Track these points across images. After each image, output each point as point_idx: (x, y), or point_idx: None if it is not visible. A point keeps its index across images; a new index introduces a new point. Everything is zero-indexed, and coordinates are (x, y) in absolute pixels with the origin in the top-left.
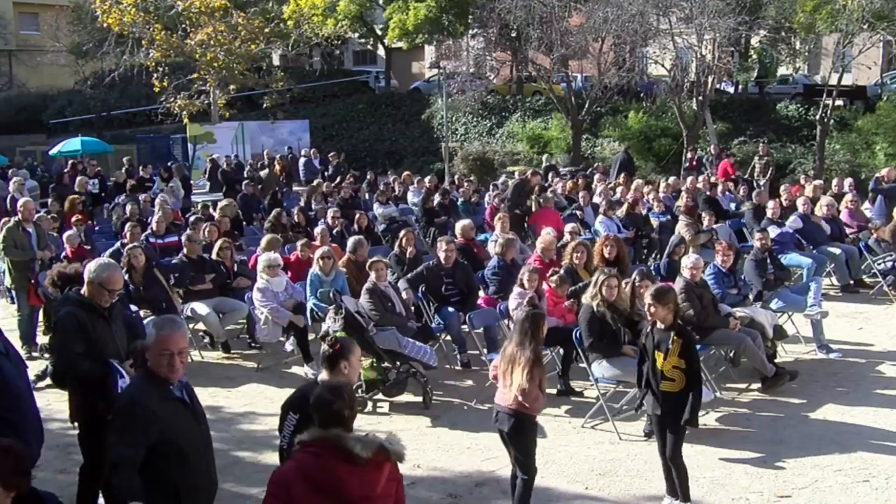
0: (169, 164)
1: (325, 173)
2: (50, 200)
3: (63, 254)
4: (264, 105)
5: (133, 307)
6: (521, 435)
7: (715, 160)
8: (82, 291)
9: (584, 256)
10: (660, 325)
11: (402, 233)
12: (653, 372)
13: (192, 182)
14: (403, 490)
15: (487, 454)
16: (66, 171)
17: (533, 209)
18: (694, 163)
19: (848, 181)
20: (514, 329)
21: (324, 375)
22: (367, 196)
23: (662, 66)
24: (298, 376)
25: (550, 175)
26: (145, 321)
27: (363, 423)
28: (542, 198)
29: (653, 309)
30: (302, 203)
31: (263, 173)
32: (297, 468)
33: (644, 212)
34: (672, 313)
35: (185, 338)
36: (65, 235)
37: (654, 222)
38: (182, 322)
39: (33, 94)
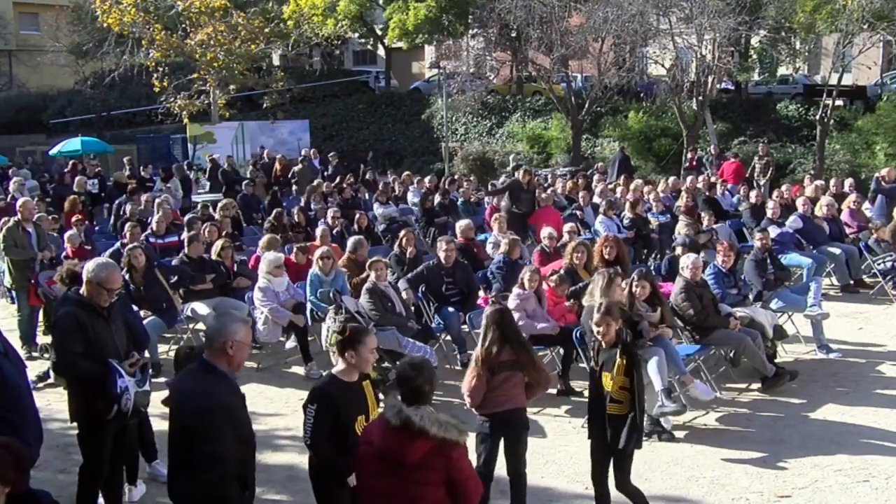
0: (173, 164)
1: (325, 173)
2: (49, 200)
3: (63, 253)
4: (264, 105)
5: (134, 307)
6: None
7: (715, 160)
8: (81, 291)
9: (584, 256)
10: (604, 344)
11: (402, 233)
12: (599, 395)
13: (192, 181)
14: (461, 474)
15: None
16: (66, 170)
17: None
18: (694, 163)
19: (849, 181)
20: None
21: (338, 365)
22: (366, 196)
23: (662, 66)
24: (298, 376)
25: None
26: (146, 321)
27: None
28: (540, 198)
29: (602, 326)
30: (302, 203)
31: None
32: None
33: (644, 212)
34: (615, 329)
35: None
36: (66, 235)
37: (654, 222)
38: None
39: (33, 94)
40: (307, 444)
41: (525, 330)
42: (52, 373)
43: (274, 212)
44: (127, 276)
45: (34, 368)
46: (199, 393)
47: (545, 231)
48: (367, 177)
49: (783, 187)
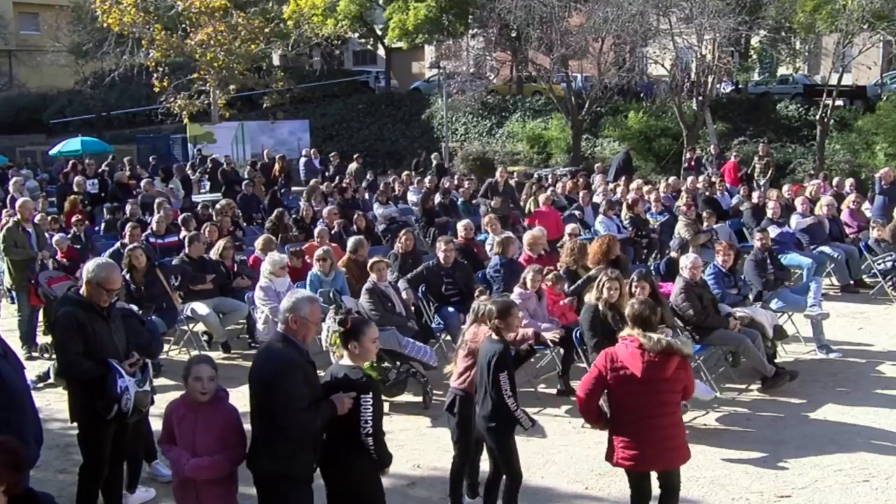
0: (173, 164)
1: (326, 173)
2: (53, 200)
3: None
4: (264, 105)
5: (134, 307)
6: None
7: (715, 160)
8: (81, 291)
9: (582, 257)
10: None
11: (401, 233)
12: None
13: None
14: (692, 378)
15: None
16: (66, 170)
17: (527, 209)
18: (692, 163)
19: (849, 181)
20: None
21: (343, 359)
22: (366, 196)
23: (662, 66)
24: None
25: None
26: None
27: None
28: (539, 197)
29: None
30: (304, 202)
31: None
32: (607, 353)
33: (644, 212)
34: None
35: None
36: (54, 239)
37: (653, 222)
38: None
39: (33, 94)
40: (368, 434)
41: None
42: (52, 374)
43: (275, 212)
44: (127, 277)
45: (34, 369)
46: (275, 355)
47: (529, 235)
48: (368, 177)
49: (784, 187)
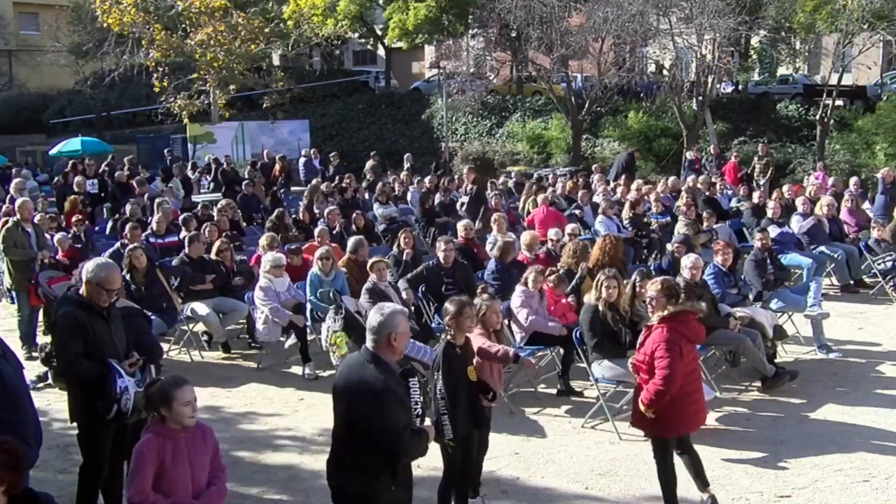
0: (173, 164)
1: (326, 173)
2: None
3: (56, 255)
4: (264, 105)
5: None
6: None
7: (715, 160)
8: (81, 291)
9: (582, 256)
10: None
11: (400, 233)
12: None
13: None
14: None
15: (487, 454)
16: (66, 171)
17: (527, 210)
18: (698, 164)
19: (853, 180)
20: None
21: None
22: (366, 196)
23: (662, 65)
24: (298, 376)
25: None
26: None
27: None
28: (538, 197)
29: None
30: (305, 202)
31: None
32: (671, 329)
33: (643, 212)
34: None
35: None
36: (55, 238)
37: (653, 223)
38: None
39: (33, 94)
40: (418, 414)
41: (534, 327)
42: (50, 375)
43: (276, 211)
44: (128, 277)
45: (35, 369)
46: (372, 387)
47: (526, 235)
48: (368, 177)
49: (784, 187)
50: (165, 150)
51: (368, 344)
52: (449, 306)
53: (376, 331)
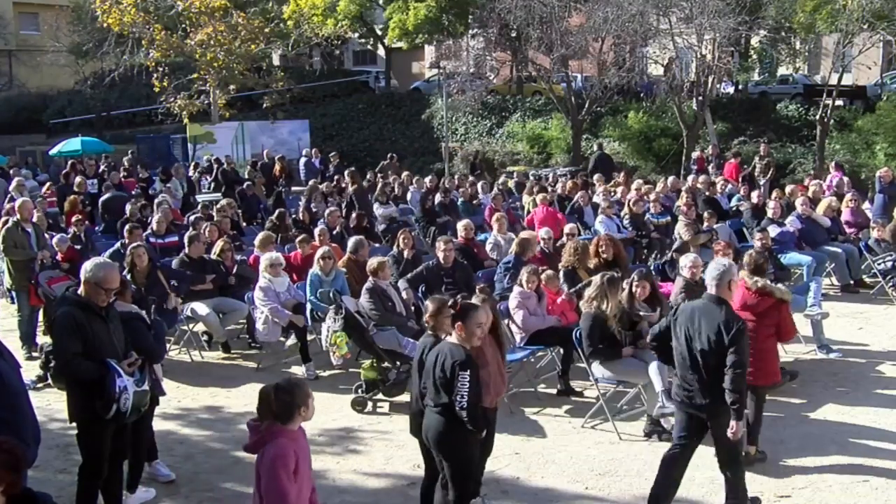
0: (173, 164)
1: (326, 173)
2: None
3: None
4: (264, 105)
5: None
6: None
7: (715, 160)
8: (79, 291)
9: (582, 256)
10: None
11: (400, 233)
12: None
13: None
14: (787, 322)
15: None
16: (65, 171)
17: (526, 210)
18: (702, 164)
19: (844, 179)
20: None
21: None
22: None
23: (662, 65)
24: (298, 376)
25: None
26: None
27: (363, 423)
28: (536, 198)
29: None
30: (304, 202)
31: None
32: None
33: (643, 212)
34: None
35: None
36: (54, 240)
37: (655, 223)
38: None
39: (33, 94)
40: (463, 407)
41: (532, 326)
42: (49, 375)
43: (276, 212)
44: (129, 276)
45: (35, 369)
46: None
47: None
48: (368, 177)
49: (787, 188)
50: (125, 158)
51: None
52: (428, 303)
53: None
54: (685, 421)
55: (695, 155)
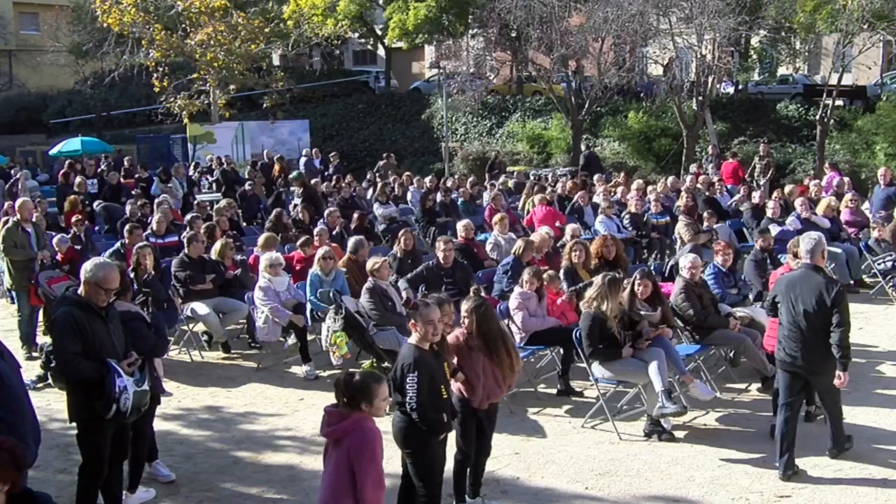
0: (173, 164)
1: (326, 173)
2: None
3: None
4: (264, 105)
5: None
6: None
7: (714, 160)
8: (79, 291)
9: (582, 255)
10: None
11: (400, 233)
12: None
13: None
14: None
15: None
16: (64, 171)
17: (526, 210)
18: (701, 173)
19: (844, 179)
20: None
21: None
22: (367, 196)
23: (662, 65)
24: (298, 376)
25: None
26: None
27: None
28: (536, 197)
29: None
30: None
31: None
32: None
33: (643, 212)
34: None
35: None
36: (54, 240)
37: (655, 223)
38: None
39: (33, 94)
40: (413, 408)
41: (532, 327)
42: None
43: (274, 212)
44: (133, 276)
45: (35, 369)
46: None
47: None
48: (368, 177)
49: (787, 189)
50: (125, 158)
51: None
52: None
53: None
54: (789, 381)
55: (693, 168)
